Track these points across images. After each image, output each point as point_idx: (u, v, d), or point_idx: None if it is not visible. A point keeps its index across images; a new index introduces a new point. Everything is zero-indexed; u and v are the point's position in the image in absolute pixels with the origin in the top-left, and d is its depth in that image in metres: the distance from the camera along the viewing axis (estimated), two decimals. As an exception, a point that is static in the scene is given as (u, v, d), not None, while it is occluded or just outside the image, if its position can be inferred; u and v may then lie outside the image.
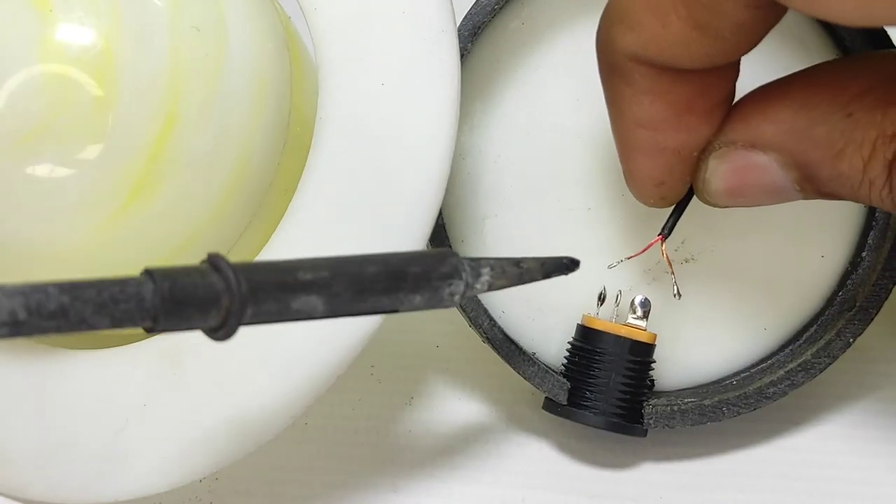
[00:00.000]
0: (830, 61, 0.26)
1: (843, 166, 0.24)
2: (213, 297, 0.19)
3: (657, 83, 0.25)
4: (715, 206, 0.27)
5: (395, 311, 0.22)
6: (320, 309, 0.20)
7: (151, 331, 0.18)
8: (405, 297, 0.22)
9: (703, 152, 0.26)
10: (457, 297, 0.23)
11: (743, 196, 0.26)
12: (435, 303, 0.23)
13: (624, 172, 0.27)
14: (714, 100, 0.25)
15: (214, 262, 0.19)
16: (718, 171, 0.26)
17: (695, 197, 0.28)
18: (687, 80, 0.25)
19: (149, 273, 0.18)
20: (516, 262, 0.25)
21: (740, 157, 0.26)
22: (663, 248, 0.28)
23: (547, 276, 0.26)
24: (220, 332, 0.19)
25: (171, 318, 0.18)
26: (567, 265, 0.26)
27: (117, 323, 0.17)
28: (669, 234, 0.28)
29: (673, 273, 0.29)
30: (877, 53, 0.26)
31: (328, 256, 0.21)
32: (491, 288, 0.24)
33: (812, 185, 0.25)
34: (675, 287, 0.29)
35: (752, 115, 0.25)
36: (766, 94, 0.26)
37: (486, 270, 0.24)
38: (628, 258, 0.29)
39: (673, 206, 0.28)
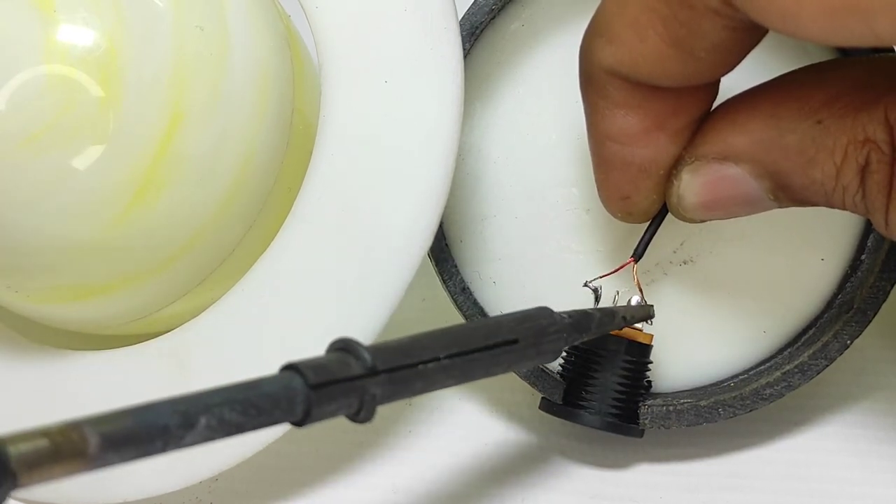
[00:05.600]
0: (798, 70, 0.26)
1: (816, 173, 0.24)
2: (358, 387, 0.19)
3: (630, 98, 0.25)
4: (690, 221, 0.27)
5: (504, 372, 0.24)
6: (447, 383, 0.22)
7: (300, 425, 0.19)
8: (516, 364, 0.23)
9: (675, 168, 0.26)
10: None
11: (717, 209, 0.26)
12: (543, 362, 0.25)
13: (595, 183, 0.28)
14: (686, 120, 0.26)
15: (355, 350, 0.20)
16: (692, 186, 0.26)
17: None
18: (660, 97, 0.25)
19: (296, 369, 0.18)
20: (612, 316, 0.27)
21: (713, 170, 0.26)
22: (634, 270, 0.29)
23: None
24: (360, 415, 0.20)
25: (320, 411, 0.19)
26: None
27: (274, 423, 0.18)
28: (642, 255, 0.29)
29: (643, 297, 0.29)
30: (844, 60, 0.26)
31: (449, 329, 0.22)
32: (582, 341, 0.27)
33: (785, 194, 0.25)
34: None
35: (723, 126, 0.25)
36: (736, 105, 0.26)
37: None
38: (602, 276, 0.29)
39: (646, 226, 0.28)
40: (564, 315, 0.25)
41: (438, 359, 0.21)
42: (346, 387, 0.19)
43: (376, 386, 0.20)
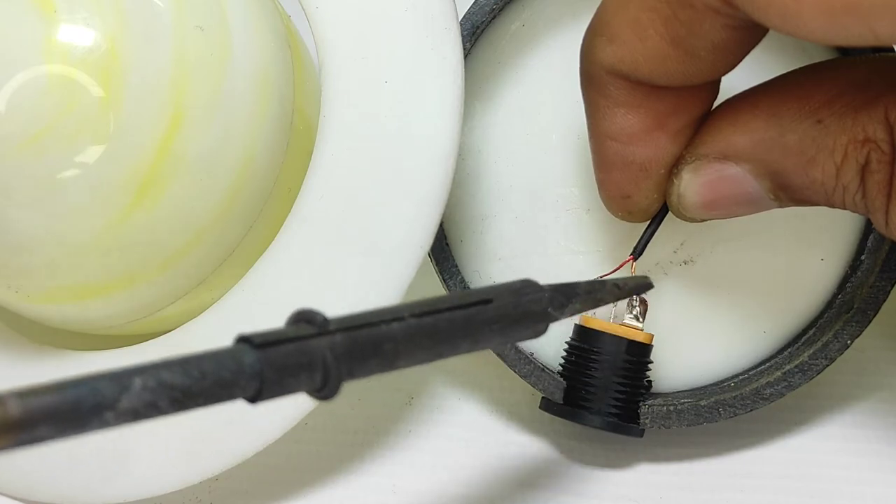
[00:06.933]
0: (798, 70, 0.26)
1: (816, 173, 0.24)
2: (317, 361, 0.18)
3: (631, 97, 0.25)
4: (691, 220, 0.27)
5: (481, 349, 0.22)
6: (421, 348, 0.20)
7: (255, 399, 0.17)
8: (496, 329, 0.21)
9: (676, 167, 0.26)
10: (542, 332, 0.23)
11: (718, 209, 0.27)
12: (528, 333, 0.22)
13: (596, 182, 0.28)
14: (686, 119, 0.26)
15: (316, 320, 0.18)
16: (692, 185, 0.26)
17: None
18: (661, 96, 0.25)
19: (248, 341, 0.17)
20: (602, 284, 0.25)
21: (713, 169, 0.26)
22: (633, 268, 0.29)
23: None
24: (325, 390, 0.18)
25: (274, 386, 0.17)
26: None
27: (224, 389, 0.16)
28: (641, 254, 0.29)
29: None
30: (844, 60, 0.26)
31: (421, 302, 0.20)
32: (574, 312, 0.24)
33: (786, 193, 0.25)
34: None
35: (723, 126, 0.26)
36: (736, 105, 0.26)
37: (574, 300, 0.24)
38: (602, 276, 0.29)
39: (646, 225, 0.29)
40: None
41: (403, 318, 0.19)
42: (298, 348, 0.17)
43: (334, 349, 0.18)
